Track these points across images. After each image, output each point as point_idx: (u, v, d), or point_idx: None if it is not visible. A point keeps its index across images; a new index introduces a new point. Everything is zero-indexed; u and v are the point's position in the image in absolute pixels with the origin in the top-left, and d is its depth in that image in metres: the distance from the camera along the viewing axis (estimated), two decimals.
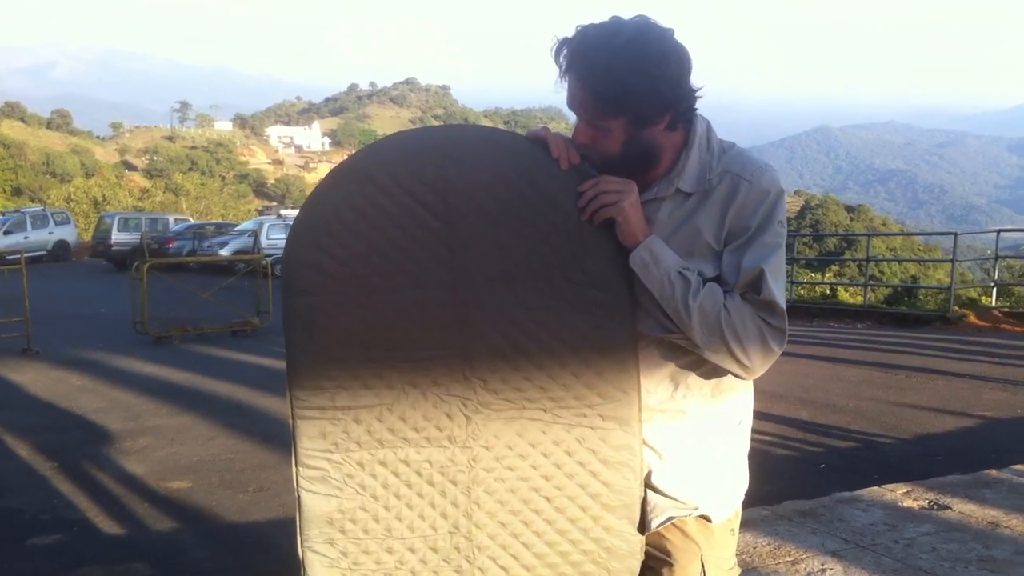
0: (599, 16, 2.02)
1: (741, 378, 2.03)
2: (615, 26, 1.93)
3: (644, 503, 2.07)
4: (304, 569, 2.06)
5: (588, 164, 2.04)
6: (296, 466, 2.04)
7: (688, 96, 2.00)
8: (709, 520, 2.10)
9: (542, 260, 1.98)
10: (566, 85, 1.99)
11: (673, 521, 2.08)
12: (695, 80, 2.00)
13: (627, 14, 1.97)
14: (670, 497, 2.07)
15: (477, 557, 2.03)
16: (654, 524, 2.07)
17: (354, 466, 2.01)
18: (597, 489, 2.02)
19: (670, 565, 2.10)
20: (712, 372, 2.05)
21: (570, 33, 1.97)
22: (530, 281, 1.98)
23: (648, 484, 2.07)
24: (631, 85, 1.91)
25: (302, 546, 2.05)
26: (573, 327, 1.98)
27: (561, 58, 1.97)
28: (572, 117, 2.05)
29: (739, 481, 2.19)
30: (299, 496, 2.04)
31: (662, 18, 1.96)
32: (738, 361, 1.96)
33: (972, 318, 16.08)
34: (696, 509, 2.08)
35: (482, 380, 1.99)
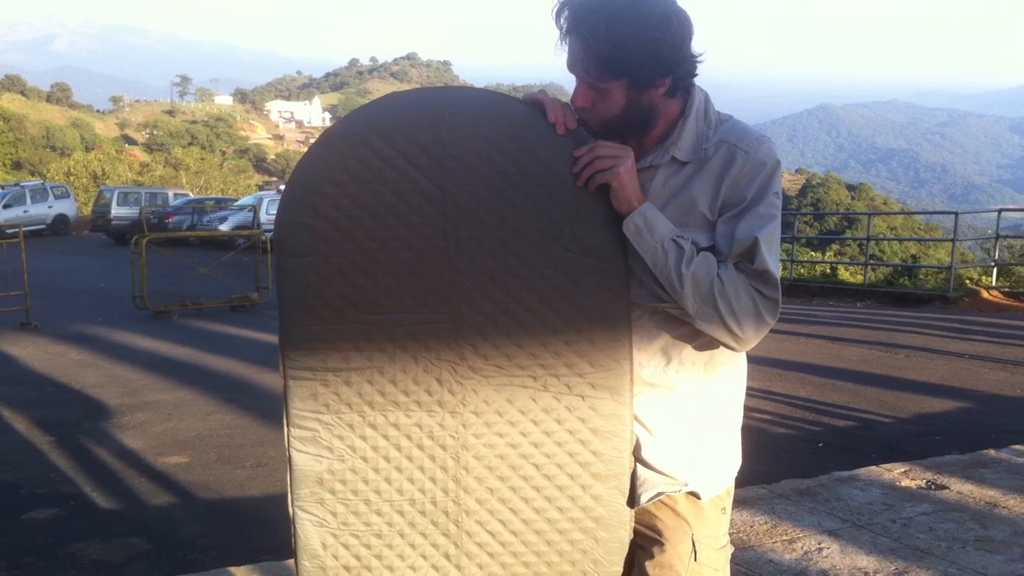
0: None
1: (733, 349, 2.01)
2: None
3: (634, 477, 2.05)
4: (294, 527, 2.07)
5: (585, 129, 2.02)
6: (287, 426, 2.04)
7: (688, 61, 1.97)
8: (699, 497, 2.08)
9: (536, 227, 1.96)
10: (566, 48, 1.97)
11: (663, 498, 2.07)
12: (696, 47, 1.98)
13: None
14: (659, 472, 2.05)
15: (465, 521, 2.03)
16: (643, 499, 2.05)
17: (344, 428, 2.01)
18: (587, 458, 2.01)
19: (660, 544, 2.08)
20: (705, 345, 2.03)
21: None
22: (523, 248, 1.96)
23: (638, 458, 2.06)
24: (631, 46, 1.88)
25: (292, 505, 2.06)
26: (566, 295, 1.97)
27: (562, 20, 1.95)
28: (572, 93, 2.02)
29: (730, 459, 2.17)
30: (290, 456, 2.04)
31: None
32: (730, 331, 1.94)
33: (972, 298, 16.07)
34: (686, 485, 2.06)
35: (473, 346, 1.98)
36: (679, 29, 1.92)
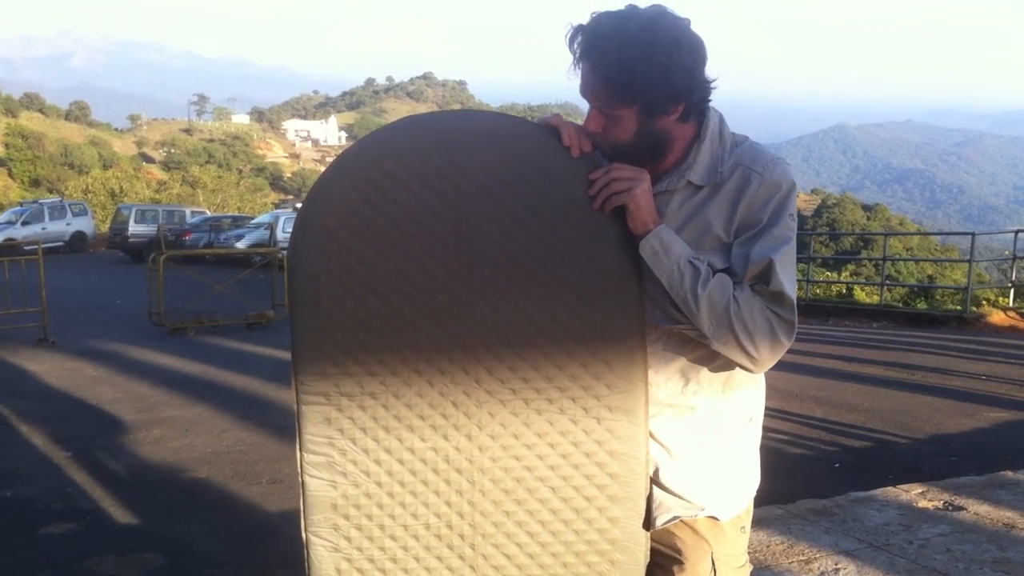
0: (610, 7, 2.07)
1: (749, 371, 2.00)
2: (628, 13, 1.91)
3: (650, 500, 2.05)
4: (308, 554, 2.06)
5: (599, 153, 2.02)
6: (300, 452, 2.03)
7: (701, 87, 1.98)
8: (717, 519, 2.09)
9: (550, 248, 1.96)
10: (579, 72, 1.97)
11: (680, 519, 2.07)
12: (710, 71, 1.98)
13: (643, 3, 1.95)
14: (677, 496, 2.05)
15: (481, 544, 2.02)
16: (659, 522, 2.05)
17: (359, 453, 2.00)
18: (603, 480, 2.00)
19: (680, 563, 2.08)
20: (722, 366, 2.03)
21: (584, 20, 1.96)
22: (537, 269, 1.96)
23: (655, 481, 2.05)
24: (642, 72, 1.89)
25: (306, 531, 2.05)
26: (580, 316, 1.96)
27: (575, 45, 1.95)
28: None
29: (749, 479, 2.17)
30: (303, 481, 2.03)
31: (679, 8, 1.95)
32: (746, 353, 1.93)
33: (988, 319, 16.00)
34: (702, 510, 2.06)
35: (488, 369, 1.97)
36: (691, 54, 1.92)
